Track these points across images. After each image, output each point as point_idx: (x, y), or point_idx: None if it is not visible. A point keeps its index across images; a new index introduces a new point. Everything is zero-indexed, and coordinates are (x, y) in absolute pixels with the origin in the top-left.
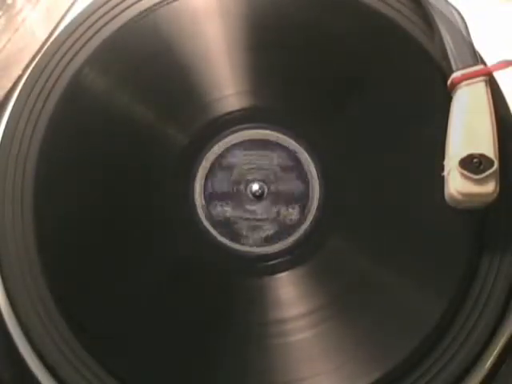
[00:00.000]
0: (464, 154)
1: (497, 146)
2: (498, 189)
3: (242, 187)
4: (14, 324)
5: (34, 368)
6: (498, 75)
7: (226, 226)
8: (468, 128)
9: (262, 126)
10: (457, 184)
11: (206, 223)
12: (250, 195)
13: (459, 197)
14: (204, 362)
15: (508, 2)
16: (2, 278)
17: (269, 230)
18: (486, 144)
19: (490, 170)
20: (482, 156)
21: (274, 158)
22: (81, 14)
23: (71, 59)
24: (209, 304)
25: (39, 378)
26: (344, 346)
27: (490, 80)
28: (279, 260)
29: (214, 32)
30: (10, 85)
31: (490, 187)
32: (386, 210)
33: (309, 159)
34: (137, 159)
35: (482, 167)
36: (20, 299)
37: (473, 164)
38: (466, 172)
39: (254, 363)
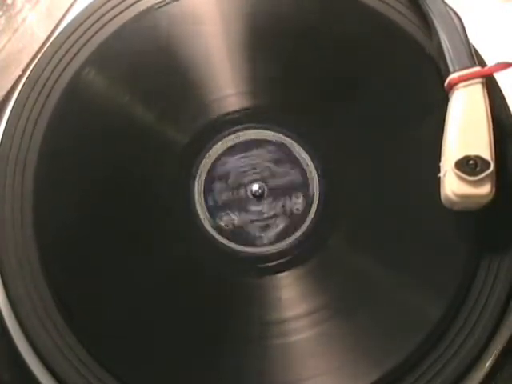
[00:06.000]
0: (460, 155)
1: (493, 147)
2: (493, 190)
3: (242, 188)
4: (14, 324)
5: (33, 368)
6: (498, 75)
7: (226, 226)
8: (464, 129)
9: (261, 126)
10: (452, 185)
11: (206, 223)
12: (251, 196)
13: (454, 198)
14: (204, 362)
15: (508, 1)
16: (2, 278)
17: (273, 229)
18: (482, 145)
19: (486, 172)
20: (478, 157)
21: (274, 158)
22: (81, 13)
23: (71, 59)
24: (209, 304)
25: (39, 378)
26: (344, 346)
27: (487, 81)
28: (279, 260)
29: (213, 32)
30: (9, 85)
31: (485, 189)
32: (386, 209)
33: (309, 159)
34: (137, 159)
35: (478, 169)
36: (20, 299)
37: (469, 165)
38: (461, 173)
39: (254, 363)
